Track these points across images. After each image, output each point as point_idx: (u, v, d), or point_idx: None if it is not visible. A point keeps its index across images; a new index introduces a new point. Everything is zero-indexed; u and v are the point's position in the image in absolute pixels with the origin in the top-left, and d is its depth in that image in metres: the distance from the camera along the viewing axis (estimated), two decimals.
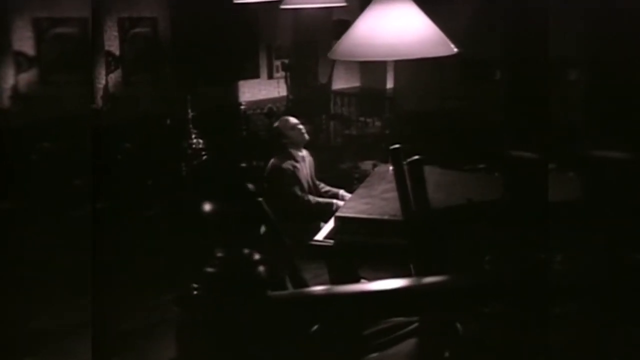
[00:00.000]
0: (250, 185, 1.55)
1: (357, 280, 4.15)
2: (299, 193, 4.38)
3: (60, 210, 5.15)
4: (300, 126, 4.55)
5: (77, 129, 5.59)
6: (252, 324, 1.36)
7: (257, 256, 1.38)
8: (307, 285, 2.01)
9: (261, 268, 1.37)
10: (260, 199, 1.98)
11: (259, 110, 7.30)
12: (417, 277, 1.73)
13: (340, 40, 2.49)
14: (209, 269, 1.42)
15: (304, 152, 4.58)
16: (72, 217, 5.08)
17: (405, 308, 1.53)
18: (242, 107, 7.15)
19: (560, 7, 4.28)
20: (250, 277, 1.37)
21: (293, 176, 4.41)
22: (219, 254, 1.41)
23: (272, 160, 4.50)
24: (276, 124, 4.63)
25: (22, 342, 3.96)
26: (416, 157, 2.01)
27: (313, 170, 4.65)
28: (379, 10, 2.46)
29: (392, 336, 1.87)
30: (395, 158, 2.17)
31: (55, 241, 4.76)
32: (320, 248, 3.88)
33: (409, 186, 2.08)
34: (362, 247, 3.59)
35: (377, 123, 7.84)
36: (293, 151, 4.49)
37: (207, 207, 1.41)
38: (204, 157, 6.14)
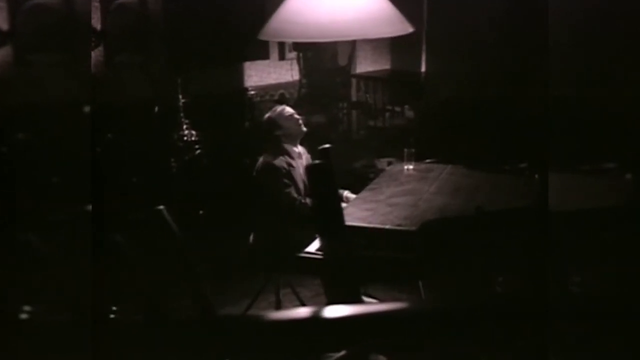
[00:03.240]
0: None
1: (358, 300, 4.01)
2: (295, 195, 4.26)
3: (34, 212, 5.09)
4: (297, 116, 4.41)
5: (58, 117, 5.54)
6: None
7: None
8: (216, 315, 1.87)
9: None
10: (161, 207, 1.85)
11: (268, 97, 7.04)
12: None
13: (271, 18, 2.36)
14: None
15: (300, 149, 4.46)
16: (48, 221, 5.01)
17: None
18: (250, 93, 6.95)
19: None
20: None
21: (288, 176, 4.28)
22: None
23: (262, 157, 4.41)
24: (268, 114, 4.53)
25: None
26: (316, 161, 1.86)
27: None
28: None
29: None
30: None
31: (24, 248, 4.69)
32: (311, 261, 3.76)
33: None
34: (357, 261, 3.45)
35: (409, 113, 7.63)
36: (288, 146, 4.36)
37: None
38: (198, 152, 6.03)
